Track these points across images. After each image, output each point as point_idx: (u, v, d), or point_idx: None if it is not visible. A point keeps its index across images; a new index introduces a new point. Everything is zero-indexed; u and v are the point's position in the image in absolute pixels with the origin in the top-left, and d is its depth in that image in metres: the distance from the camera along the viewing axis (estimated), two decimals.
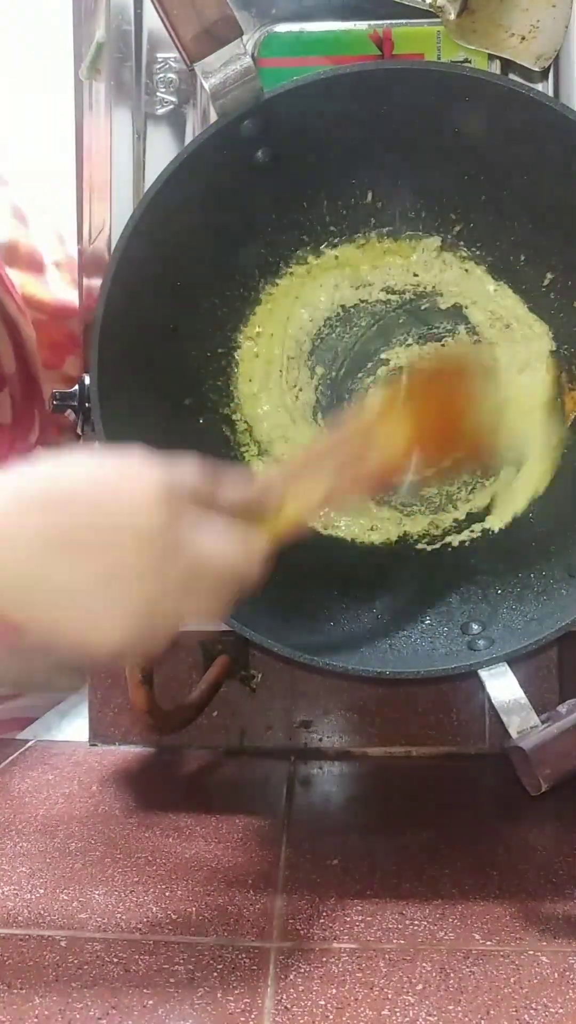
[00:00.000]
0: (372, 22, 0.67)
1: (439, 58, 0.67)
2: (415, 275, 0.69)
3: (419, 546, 0.70)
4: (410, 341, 0.70)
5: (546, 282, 0.66)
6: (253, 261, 0.67)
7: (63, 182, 0.85)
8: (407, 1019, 0.46)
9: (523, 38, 0.66)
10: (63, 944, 0.53)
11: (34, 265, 0.89)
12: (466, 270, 0.68)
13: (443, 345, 0.68)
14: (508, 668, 0.58)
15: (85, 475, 0.43)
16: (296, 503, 0.49)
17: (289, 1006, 0.47)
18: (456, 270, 0.69)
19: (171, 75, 0.67)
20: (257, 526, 0.47)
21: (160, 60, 0.67)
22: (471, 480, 0.70)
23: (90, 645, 0.43)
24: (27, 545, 0.41)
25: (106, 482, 0.43)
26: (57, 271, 0.90)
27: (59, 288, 0.89)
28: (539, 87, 0.66)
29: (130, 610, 0.42)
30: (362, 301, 0.70)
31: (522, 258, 0.66)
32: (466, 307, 0.69)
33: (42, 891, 0.59)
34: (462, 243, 0.67)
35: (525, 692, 0.57)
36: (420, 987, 0.49)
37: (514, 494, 0.68)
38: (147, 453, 0.44)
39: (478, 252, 0.67)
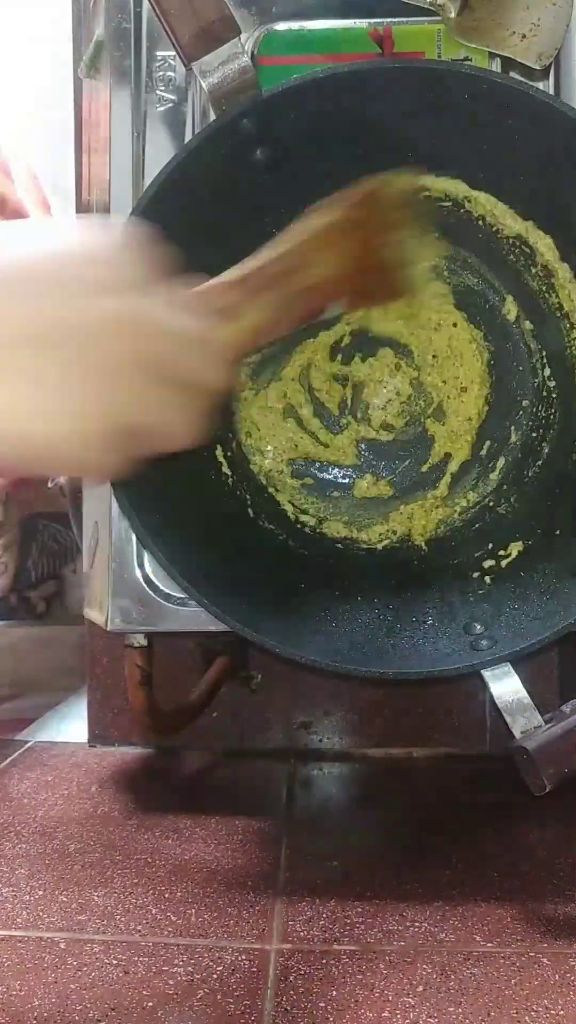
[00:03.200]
0: (372, 20, 0.67)
1: (439, 56, 0.66)
2: None
3: (421, 546, 0.70)
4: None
5: None
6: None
7: (62, 181, 0.85)
8: (408, 1021, 0.46)
9: (524, 36, 0.66)
10: (62, 946, 0.53)
11: (21, 218, 0.88)
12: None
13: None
14: (511, 668, 0.58)
15: (42, 250, 0.38)
16: (253, 314, 0.47)
17: (289, 1008, 0.47)
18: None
19: (170, 73, 0.67)
20: (221, 327, 0.45)
21: (160, 58, 0.67)
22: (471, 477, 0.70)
23: (65, 452, 0.38)
24: None
25: (64, 238, 0.39)
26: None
27: None
28: (540, 85, 0.66)
29: (103, 402, 0.37)
30: None
31: (522, 258, 0.66)
32: None
33: (41, 892, 0.59)
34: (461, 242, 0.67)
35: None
36: (421, 989, 0.49)
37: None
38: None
39: (476, 250, 0.67)
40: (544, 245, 0.64)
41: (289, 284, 0.49)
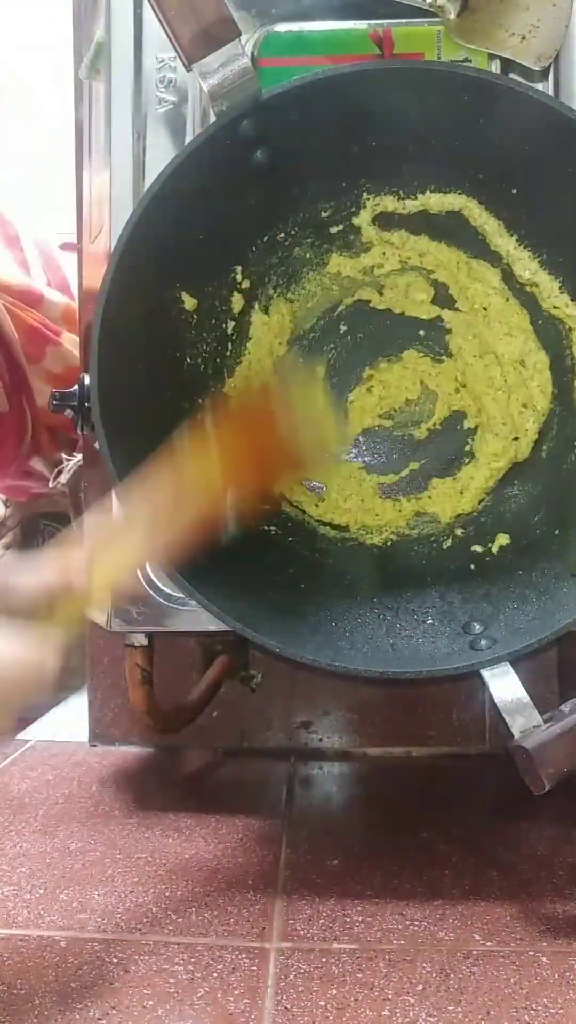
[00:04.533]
0: (372, 21, 0.67)
1: (439, 57, 0.66)
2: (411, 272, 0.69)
3: (420, 546, 0.70)
4: (408, 348, 0.71)
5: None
6: (253, 261, 0.67)
7: (62, 181, 0.85)
8: (407, 1020, 0.46)
9: (523, 37, 0.66)
10: (63, 944, 0.53)
11: None
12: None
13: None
14: (511, 668, 0.58)
15: None
16: (105, 572, 0.47)
17: (289, 1007, 0.47)
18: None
19: (171, 75, 0.67)
20: (48, 620, 0.44)
21: (160, 60, 0.67)
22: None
23: None
24: None
25: None
26: (10, 252, 0.89)
27: (14, 272, 0.88)
28: (539, 86, 0.66)
29: None
30: (359, 301, 0.70)
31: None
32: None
33: (42, 891, 0.59)
34: (461, 242, 0.67)
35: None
36: (420, 987, 0.49)
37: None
38: None
39: (476, 250, 0.68)
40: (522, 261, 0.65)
41: (159, 512, 0.48)
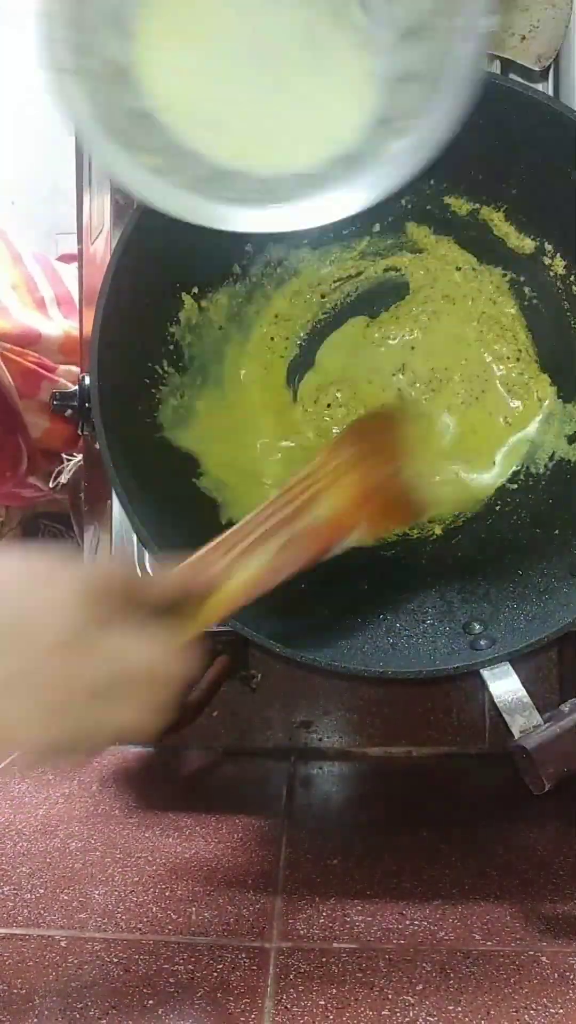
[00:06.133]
0: None
1: None
2: (411, 275, 0.69)
3: (420, 546, 0.70)
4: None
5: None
6: (255, 262, 0.67)
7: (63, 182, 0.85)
8: (407, 1019, 0.46)
9: (523, 38, 0.66)
10: (63, 944, 0.53)
11: None
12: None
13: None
14: (511, 668, 0.58)
15: (3, 577, 0.42)
16: (232, 583, 0.47)
17: (289, 1006, 0.47)
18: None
19: None
20: (183, 620, 0.46)
21: None
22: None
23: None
24: None
25: (24, 585, 0.42)
26: (14, 293, 0.90)
27: (20, 313, 0.88)
28: (539, 87, 0.66)
29: (42, 712, 0.41)
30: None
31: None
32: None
33: (42, 891, 0.59)
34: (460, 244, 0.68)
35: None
36: (420, 987, 0.49)
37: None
38: (68, 556, 0.43)
39: (476, 250, 0.68)
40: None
41: (293, 527, 0.50)
